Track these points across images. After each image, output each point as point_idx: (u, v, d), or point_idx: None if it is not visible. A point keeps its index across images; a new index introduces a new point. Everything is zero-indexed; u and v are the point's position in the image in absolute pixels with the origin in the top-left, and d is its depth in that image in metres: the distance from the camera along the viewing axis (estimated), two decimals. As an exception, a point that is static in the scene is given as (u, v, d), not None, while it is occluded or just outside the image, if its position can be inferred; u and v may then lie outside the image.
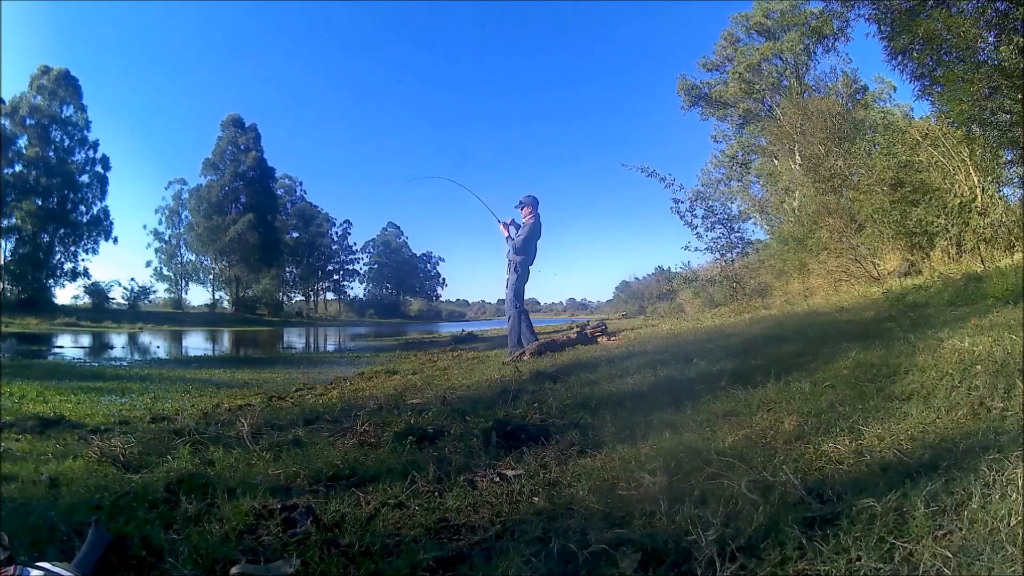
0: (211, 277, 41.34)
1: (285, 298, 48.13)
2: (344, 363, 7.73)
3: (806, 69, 21.19)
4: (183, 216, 40.59)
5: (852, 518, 1.24)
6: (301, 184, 50.99)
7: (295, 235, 49.55)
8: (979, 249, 7.57)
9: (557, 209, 72.72)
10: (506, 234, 6.09)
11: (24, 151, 29.24)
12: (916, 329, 3.42)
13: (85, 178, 31.40)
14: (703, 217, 13.37)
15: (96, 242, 31.87)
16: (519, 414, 2.65)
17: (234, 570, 1.20)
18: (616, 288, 48.45)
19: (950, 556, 1.07)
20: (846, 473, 1.54)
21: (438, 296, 65.96)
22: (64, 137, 30.68)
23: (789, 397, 2.41)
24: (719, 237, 13.43)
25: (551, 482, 1.72)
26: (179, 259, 41.21)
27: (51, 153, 30.02)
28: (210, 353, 10.72)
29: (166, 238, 41.03)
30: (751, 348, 3.93)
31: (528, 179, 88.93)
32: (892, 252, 9.21)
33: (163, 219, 40.82)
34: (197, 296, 44.82)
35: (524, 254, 5.99)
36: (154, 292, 39.03)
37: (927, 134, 8.64)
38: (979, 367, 2.28)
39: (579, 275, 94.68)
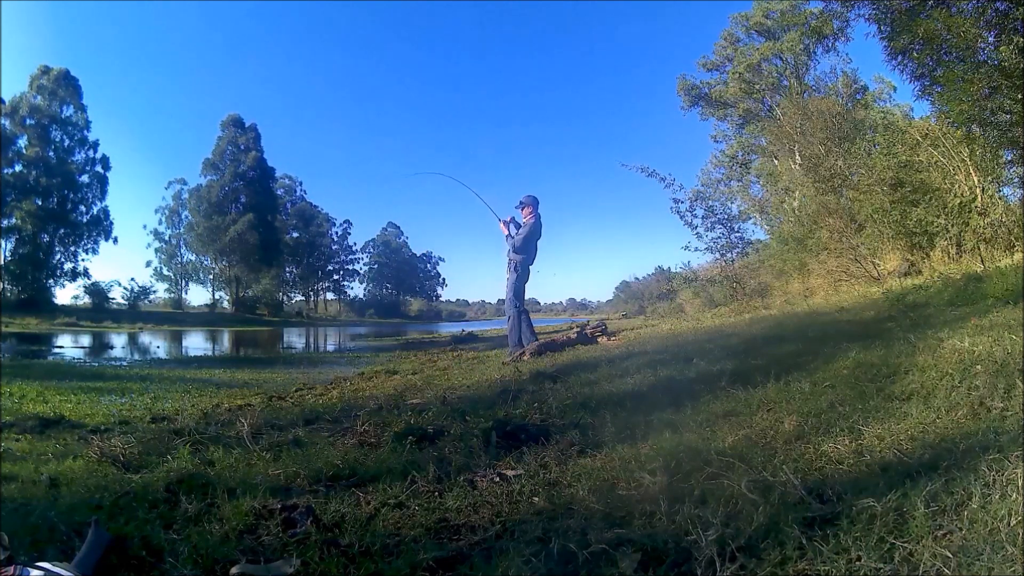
0: (211, 277, 41.37)
1: (285, 298, 48.15)
2: (344, 363, 7.73)
3: (806, 69, 21.20)
4: (183, 216, 40.63)
5: (852, 518, 1.24)
6: (301, 184, 51.07)
7: (295, 235, 49.56)
8: (979, 249, 7.57)
9: (557, 209, 72.80)
10: (506, 232, 6.09)
11: (24, 151, 29.24)
12: (916, 329, 3.42)
13: (85, 178, 31.41)
14: (703, 217, 13.38)
15: (96, 242, 31.91)
16: (519, 414, 2.65)
17: (234, 570, 1.20)
18: (616, 288, 48.54)
19: (950, 556, 1.07)
20: (846, 473, 1.54)
21: (438, 296, 66.04)
22: (64, 137, 30.69)
23: (789, 397, 2.41)
24: (719, 237, 13.44)
25: (551, 482, 1.72)
26: (179, 259, 41.24)
27: (51, 153, 30.02)
28: (210, 353, 10.72)
29: (166, 238, 41.09)
30: (751, 348, 3.93)
31: (528, 179, 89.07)
32: (892, 252, 9.21)
33: (163, 219, 40.90)
34: (197, 296, 44.89)
35: (524, 253, 5.99)
36: (154, 292, 39.10)
37: (927, 134, 8.64)
38: (979, 367, 2.28)
39: (579, 275, 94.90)
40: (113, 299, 32.89)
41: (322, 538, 1.34)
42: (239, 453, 2.14)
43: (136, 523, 1.42)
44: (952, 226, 8.07)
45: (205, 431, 2.52)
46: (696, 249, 13.65)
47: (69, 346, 11.73)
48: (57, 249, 30.73)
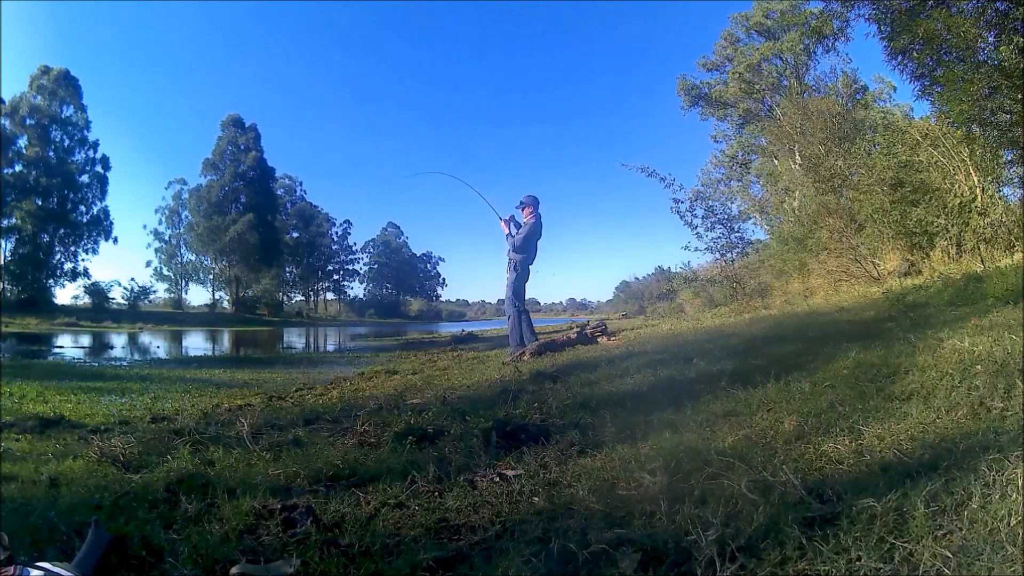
0: (211, 277, 41.37)
1: (285, 298, 48.15)
2: (344, 363, 7.73)
3: (806, 69, 21.20)
4: (183, 216, 40.64)
5: (852, 518, 1.24)
6: (301, 184, 51.07)
7: (295, 235, 49.56)
8: (979, 249, 7.57)
9: (557, 209, 72.82)
10: (507, 231, 6.09)
11: (24, 151, 29.24)
12: (916, 329, 3.42)
13: (85, 178, 31.42)
14: (703, 217, 13.39)
15: (96, 242, 31.93)
16: (519, 414, 2.65)
17: (234, 570, 1.20)
18: (616, 288, 48.56)
19: (950, 556, 1.07)
20: (846, 473, 1.54)
21: (438, 296, 66.05)
22: (64, 137, 30.69)
23: (789, 397, 2.41)
24: (719, 237, 13.44)
25: (551, 482, 1.72)
26: (179, 259, 41.25)
27: (51, 153, 30.02)
28: (210, 353, 10.72)
29: (166, 238, 41.10)
30: (751, 348, 3.93)
31: (528, 179, 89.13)
32: (892, 252, 9.21)
33: (163, 219, 40.91)
34: (197, 296, 44.90)
35: (524, 253, 5.99)
36: (154, 292, 39.12)
37: (927, 134, 8.64)
38: (979, 367, 2.28)
39: (579, 275, 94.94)
40: (113, 299, 32.93)
41: (322, 538, 1.34)
42: (239, 453, 2.14)
43: (136, 523, 1.42)
44: (952, 226, 8.07)
45: (205, 431, 2.52)
46: (696, 249, 13.68)
47: (69, 346, 11.73)
48: (57, 249, 30.75)
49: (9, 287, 28.69)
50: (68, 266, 31.03)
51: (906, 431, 1.79)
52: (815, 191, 10.84)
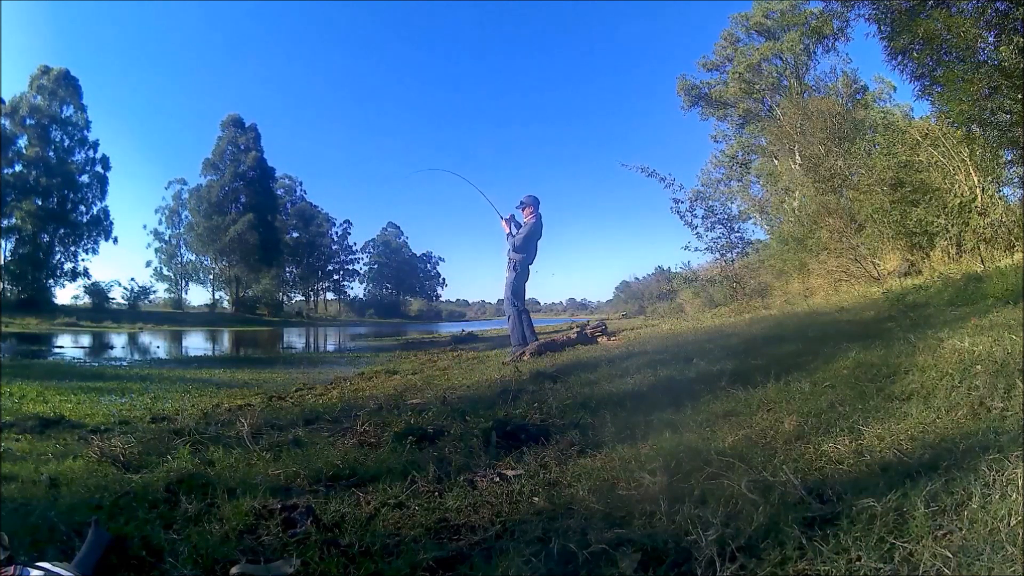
0: (211, 277, 41.39)
1: (285, 298, 48.16)
2: (344, 363, 7.73)
3: (806, 69, 21.20)
4: (183, 216, 40.66)
5: (852, 518, 1.24)
6: (301, 184, 51.10)
7: (295, 235, 49.57)
8: (979, 249, 7.57)
9: (557, 209, 72.85)
10: (507, 231, 6.09)
11: (24, 151, 29.24)
12: (916, 329, 3.42)
13: (85, 178, 31.43)
14: (703, 217, 13.38)
15: (96, 242, 31.94)
16: (519, 414, 2.65)
17: (234, 570, 1.20)
18: (616, 288, 48.57)
19: (950, 556, 1.07)
20: (846, 473, 1.54)
21: (438, 296, 66.08)
22: (64, 137, 30.70)
23: (789, 397, 2.41)
24: (719, 237, 13.44)
25: (551, 482, 1.72)
26: (179, 259, 41.25)
27: (51, 153, 30.02)
28: (210, 353, 10.72)
29: (166, 238, 41.11)
30: (751, 348, 3.93)
31: (528, 179, 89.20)
32: (892, 252, 9.21)
33: (163, 219, 40.93)
34: (197, 296, 44.91)
35: (524, 252, 5.99)
36: (154, 292, 39.13)
37: (927, 134, 8.64)
38: (979, 367, 2.28)
39: (579, 275, 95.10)
40: (113, 299, 32.94)
41: (322, 538, 1.34)
42: (239, 453, 2.14)
43: (136, 523, 1.42)
44: (952, 226, 8.07)
45: (205, 431, 2.52)
46: (696, 249, 13.67)
47: (69, 346, 11.73)
48: (57, 249, 30.75)
49: (9, 287, 28.70)
50: (68, 266, 31.09)
51: (906, 431, 1.79)
52: (815, 191, 10.84)
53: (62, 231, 30.59)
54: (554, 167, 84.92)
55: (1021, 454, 1.39)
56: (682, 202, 13.21)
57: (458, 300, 74.21)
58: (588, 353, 5.11)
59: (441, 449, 2.12)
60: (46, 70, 30.14)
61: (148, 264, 40.24)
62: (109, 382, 5.06)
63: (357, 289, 59.20)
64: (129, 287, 34.50)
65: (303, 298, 52.75)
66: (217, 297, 41.35)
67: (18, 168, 29.09)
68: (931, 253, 8.53)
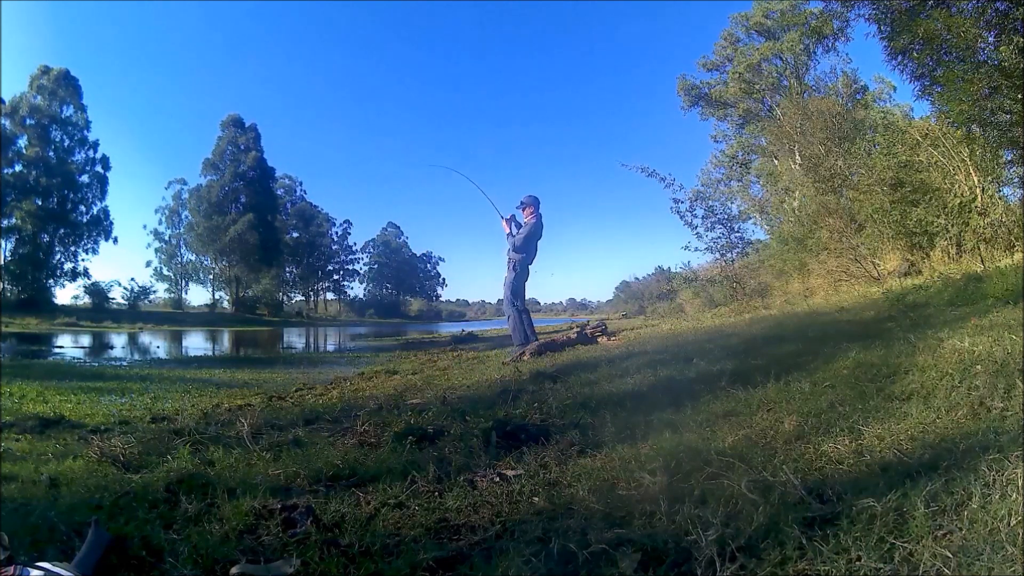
0: (211, 277, 41.39)
1: (285, 298, 48.16)
2: (344, 363, 7.73)
3: (806, 69, 21.21)
4: (183, 216, 40.67)
5: (852, 518, 1.24)
6: (301, 184, 51.10)
7: (295, 235, 49.58)
8: (979, 249, 7.57)
9: (557, 209, 72.92)
10: (507, 230, 6.10)
11: (24, 151, 29.24)
12: (916, 329, 3.42)
13: (85, 178, 31.43)
14: (703, 217, 13.37)
15: (96, 242, 31.94)
16: (519, 414, 2.65)
17: (234, 570, 1.20)
18: (616, 288, 48.57)
19: (950, 556, 1.07)
20: (846, 473, 1.54)
21: (438, 296, 66.09)
22: (64, 137, 30.70)
23: (789, 397, 2.41)
24: (719, 237, 13.43)
25: (551, 482, 1.72)
26: (179, 259, 41.26)
27: (51, 153, 30.02)
28: (210, 353, 10.72)
29: (166, 238, 41.12)
30: (751, 348, 3.93)
31: (528, 179, 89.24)
32: (892, 252, 9.21)
33: (163, 219, 40.94)
34: (197, 296, 44.93)
35: (524, 252, 5.99)
36: (154, 292, 39.14)
37: (927, 134, 8.64)
38: (979, 367, 2.28)
39: (579, 275, 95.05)
40: (113, 299, 32.94)
41: (322, 538, 1.34)
42: (239, 453, 2.14)
43: (136, 523, 1.42)
44: (952, 226, 8.07)
45: (205, 431, 2.52)
46: (696, 249, 13.66)
47: (69, 346, 11.73)
48: (57, 249, 30.75)
49: (9, 287, 28.70)
50: (68, 266, 31.09)
51: (906, 431, 1.79)
52: (815, 191, 10.83)
53: (62, 231, 30.59)
54: (554, 167, 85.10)
55: (1021, 454, 1.39)
56: (682, 202, 13.22)
57: (458, 300, 74.33)
58: (588, 353, 5.11)
59: (441, 449, 2.12)
60: (46, 70, 30.15)
61: (148, 264, 40.33)
62: (109, 382, 5.06)
63: (357, 289, 59.32)
64: (129, 287, 34.58)
65: (303, 298, 52.79)
66: (217, 297, 41.42)
67: (18, 168, 29.11)
68: (931, 253, 8.53)
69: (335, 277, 56.78)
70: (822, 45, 20.44)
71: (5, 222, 28.49)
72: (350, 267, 57.68)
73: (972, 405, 1.92)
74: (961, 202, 7.99)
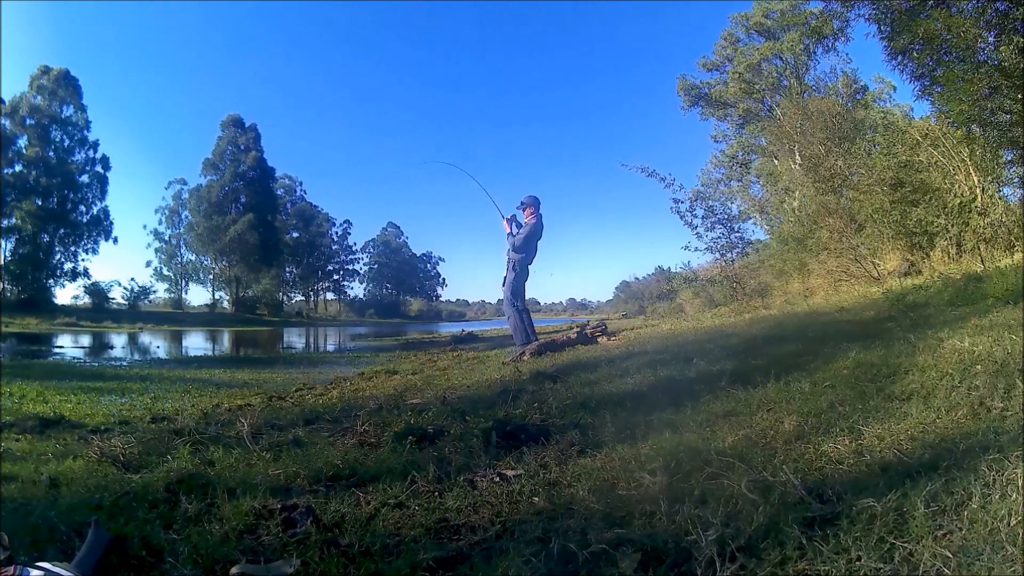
0: (211, 277, 41.40)
1: (285, 298, 48.16)
2: (344, 363, 7.73)
3: (806, 69, 21.21)
4: (183, 216, 40.67)
5: (852, 518, 1.24)
6: (301, 184, 51.12)
7: (295, 235, 49.58)
8: (979, 249, 7.57)
9: (557, 209, 72.94)
10: (508, 230, 6.10)
11: (24, 151, 29.25)
12: (916, 329, 3.42)
13: (85, 178, 31.43)
14: (703, 217, 13.37)
15: (96, 242, 31.94)
16: (519, 414, 2.65)
17: (234, 570, 1.20)
18: (616, 288, 48.58)
19: (950, 556, 1.07)
20: (846, 473, 1.54)
21: (438, 296, 66.10)
22: (64, 137, 30.70)
23: (789, 397, 2.41)
24: (719, 237, 13.42)
25: (551, 482, 1.72)
26: (179, 259, 41.27)
27: (51, 153, 30.02)
28: (210, 353, 10.72)
29: (166, 238, 41.12)
30: (751, 348, 3.93)
31: (528, 179, 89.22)
32: (892, 252, 9.21)
33: (163, 219, 40.95)
34: (197, 296, 44.96)
35: (524, 252, 5.99)
36: (154, 292, 39.14)
37: (927, 134, 8.64)
38: (979, 367, 2.28)
39: (579, 275, 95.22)
40: (113, 299, 32.94)
41: (322, 538, 1.34)
42: (239, 453, 2.14)
43: (136, 523, 1.42)
44: (952, 226, 8.07)
45: (205, 431, 2.52)
46: (696, 249, 13.66)
47: (69, 346, 11.72)
48: (57, 249, 30.75)
49: (9, 287, 28.70)
50: (68, 266, 31.10)
51: (906, 431, 1.79)
52: (815, 191, 10.84)
53: (62, 231, 30.59)
54: (554, 167, 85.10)
55: (1021, 454, 1.39)
56: (682, 202, 13.21)
57: (458, 300, 74.33)
58: (588, 353, 5.11)
59: (441, 449, 2.12)
60: (46, 70, 30.15)
61: (148, 264, 40.34)
62: (109, 382, 5.06)
63: (357, 289, 59.33)
64: (129, 287, 34.58)
65: (303, 298, 52.79)
66: (217, 297, 41.43)
67: (18, 168, 29.11)
68: (931, 253, 8.53)
69: (335, 277, 56.83)
70: (822, 45, 20.45)
71: (5, 222, 28.50)
72: (350, 267, 57.77)
73: (972, 405, 1.92)
74: (961, 202, 7.99)
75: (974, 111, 6.74)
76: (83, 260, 31.48)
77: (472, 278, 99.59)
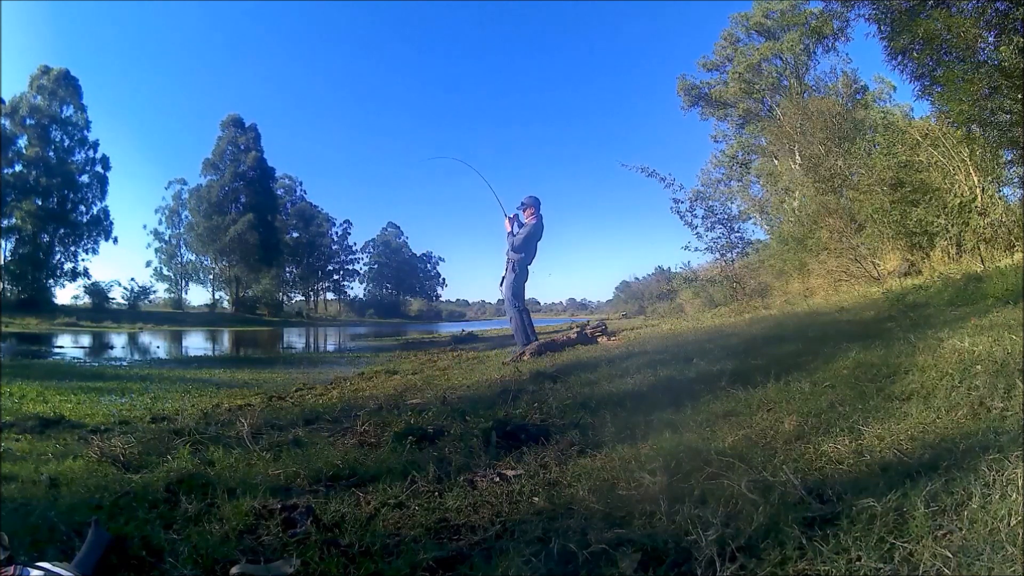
0: (211, 277, 41.41)
1: (285, 298, 48.15)
2: (344, 363, 7.73)
3: (806, 69, 21.20)
4: (183, 216, 40.69)
5: (852, 518, 1.24)
6: (301, 184, 51.13)
7: (295, 235, 49.59)
8: (979, 249, 7.57)
9: (557, 209, 72.88)
10: (509, 229, 6.09)
11: (24, 151, 29.25)
12: (916, 329, 3.42)
13: (85, 178, 31.44)
14: (703, 217, 13.33)
15: (96, 242, 31.96)
16: (519, 414, 2.65)
17: (234, 570, 1.20)
18: (616, 288, 48.51)
19: (950, 556, 1.07)
20: (846, 473, 1.54)
21: (438, 296, 66.12)
22: (64, 137, 30.70)
23: (789, 397, 2.41)
24: (719, 237, 13.39)
25: (551, 482, 1.72)
26: (179, 259, 41.27)
27: (51, 153, 30.03)
28: (210, 353, 10.72)
29: (166, 238, 41.13)
30: (751, 348, 3.93)
31: (528, 179, 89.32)
32: (892, 252, 9.21)
33: (163, 219, 40.96)
34: (197, 296, 45.00)
35: (523, 252, 5.99)
36: (154, 292, 39.15)
37: (927, 134, 8.64)
38: (979, 367, 2.28)
39: (579, 275, 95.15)
40: (113, 299, 32.94)
41: (322, 538, 1.34)
42: (239, 453, 2.14)
43: (136, 523, 1.42)
44: (952, 226, 8.07)
45: (205, 431, 2.52)
46: (696, 249, 13.62)
47: (69, 346, 11.73)
48: (57, 249, 30.76)
49: (9, 287, 28.70)
50: (68, 266, 31.11)
51: (906, 431, 1.79)
52: (815, 191, 10.84)
53: (62, 231, 30.60)
54: (554, 167, 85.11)
55: (1021, 454, 1.39)
56: (682, 202, 13.18)
57: (458, 300, 74.33)
58: (588, 353, 5.11)
59: (441, 449, 2.12)
60: (46, 70, 30.15)
61: (148, 264, 40.35)
62: (109, 382, 5.06)
63: (357, 289, 59.35)
64: (129, 287, 34.57)
65: (303, 298, 52.80)
66: (217, 297, 41.43)
67: (18, 168, 29.12)
68: (931, 253, 8.53)
69: (335, 277, 56.85)
70: (822, 45, 20.44)
71: (5, 222, 28.51)
72: (350, 267, 57.79)
73: (972, 405, 1.92)
74: (961, 202, 7.99)
75: (974, 111, 6.74)
76: (83, 260, 31.56)
77: (472, 278, 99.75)
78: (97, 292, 31.81)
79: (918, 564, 1.07)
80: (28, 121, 29.39)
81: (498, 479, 1.76)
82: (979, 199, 7.85)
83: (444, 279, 65.22)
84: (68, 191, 30.51)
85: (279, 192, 45.95)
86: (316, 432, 2.57)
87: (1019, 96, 6.43)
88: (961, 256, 7.93)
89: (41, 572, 1.08)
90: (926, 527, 1.17)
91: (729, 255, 13.51)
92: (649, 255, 73.81)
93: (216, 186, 38.72)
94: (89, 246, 31.67)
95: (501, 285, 6.11)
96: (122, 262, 78.35)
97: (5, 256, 28.99)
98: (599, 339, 6.10)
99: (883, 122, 10.94)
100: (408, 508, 1.56)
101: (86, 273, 31.51)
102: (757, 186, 19.62)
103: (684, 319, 10.27)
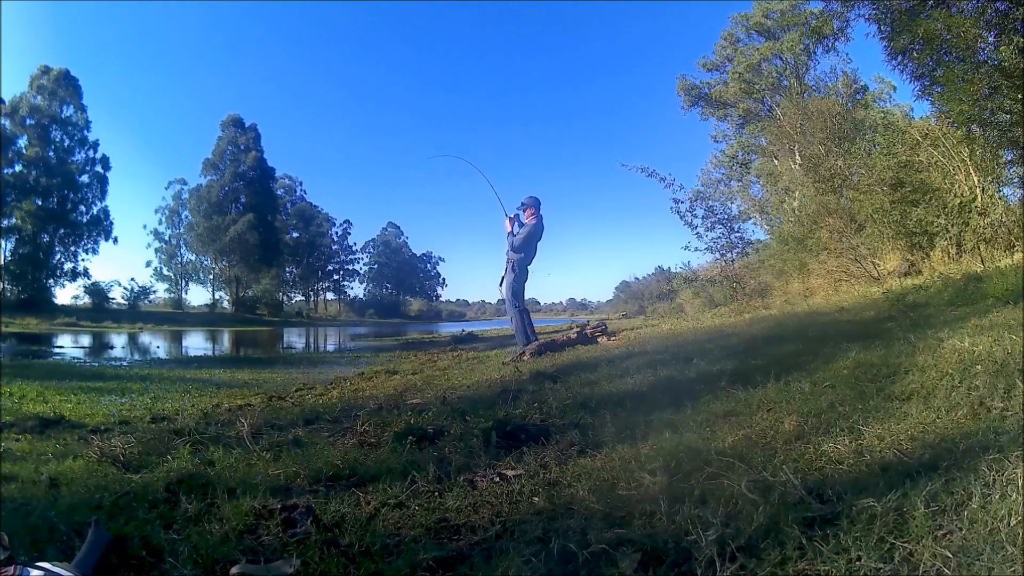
0: (211, 277, 41.41)
1: (285, 298, 48.16)
2: (344, 363, 7.73)
3: (806, 69, 21.21)
4: (183, 216, 40.68)
5: (852, 518, 1.24)
6: (301, 184, 51.12)
7: (295, 235, 49.58)
8: (979, 249, 7.58)
9: (557, 209, 72.88)
10: (509, 229, 6.09)
11: (24, 151, 29.25)
12: (916, 329, 3.42)
13: (85, 178, 31.44)
14: (703, 217, 13.33)
15: (96, 242, 31.95)
16: (519, 414, 2.65)
17: (234, 570, 1.20)
18: (616, 288, 48.46)
19: (950, 556, 1.07)
20: (846, 473, 1.54)
21: (438, 296, 66.11)
22: (64, 137, 30.70)
23: (789, 397, 2.41)
24: (719, 237, 13.39)
25: (551, 482, 1.72)
26: (179, 259, 41.27)
27: (51, 153, 30.03)
28: (210, 353, 10.72)
29: (166, 238, 41.13)
30: (751, 348, 3.93)
31: (528, 179, 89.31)
32: (892, 252, 9.21)
33: (163, 219, 40.95)
34: (197, 296, 45.00)
35: (523, 252, 5.98)
36: (154, 292, 39.14)
37: (927, 134, 8.64)
38: (979, 367, 2.28)
39: (579, 275, 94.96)
40: (113, 299, 32.94)
41: (322, 538, 1.34)
42: (239, 453, 2.14)
43: (136, 523, 1.42)
44: (952, 226, 8.07)
45: (205, 431, 2.52)
46: (696, 249, 13.62)
47: (69, 346, 11.73)
48: (57, 249, 30.76)
49: (9, 287, 28.70)
50: (68, 266, 31.10)
51: (906, 431, 1.79)
52: (815, 191, 10.84)
53: (62, 231, 30.60)
54: (554, 167, 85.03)
55: (1021, 454, 1.39)
56: (682, 202, 13.18)
57: (458, 300, 74.30)
58: (588, 353, 5.11)
59: (441, 449, 2.12)
60: (46, 70, 30.14)
61: (148, 264, 40.35)
62: (109, 382, 5.06)
63: (357, 289, 59.34)
64: (129, 287, 34.56)
65: (303, 298, 52.79)
66: (217, 297, 41.43)
67: (18, 168, 29.12)
68: (931, 253, 8.53)
69: (335, 277, 56.84)
70: (822, 45, 20.42)
71: (5, 222, 28.51)
72: (350, 267, 57.78)
73: (972, 405, 1.92)
74: (961, 202, 7.99)
75: (974, 111, 6.74)
76: (83, 260, 31.55)
77: (472, 278, 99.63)
78: (97, 292, 31.81)
79: (918, 564, 1.07)
80: (28, 121, 29.39)
81: (498, 479, 1.76)
82: (979, 199, 7.86)
83: (444, 279, 65.31)
84: (68, 191, 30.51)
85: (279, 192, 45.96)
86: (316, 432, 2.57)
87: (1019, 96, 6.43)
88: (961, 256, 7.93)
89: (41, 572, 1.08)
90: (926, 527, 1.17)
91: (729, 255, 13.51)
92: (649, 255, 73.86)
93: (216, 186, 38.72)
94: (89, 246, 31.73)
95: (501, 285, 6.11)
96: (122, 262, 78.43)
97: (5, 256, 29.04)
98: (599, 339, 6.10)
99: (883, 122, 10.94)
100: (408, 508, 1.56)
101: (86, 273, 31.57)
102: (757, 186, 19.64)
103: (684, 319, 10.27)
